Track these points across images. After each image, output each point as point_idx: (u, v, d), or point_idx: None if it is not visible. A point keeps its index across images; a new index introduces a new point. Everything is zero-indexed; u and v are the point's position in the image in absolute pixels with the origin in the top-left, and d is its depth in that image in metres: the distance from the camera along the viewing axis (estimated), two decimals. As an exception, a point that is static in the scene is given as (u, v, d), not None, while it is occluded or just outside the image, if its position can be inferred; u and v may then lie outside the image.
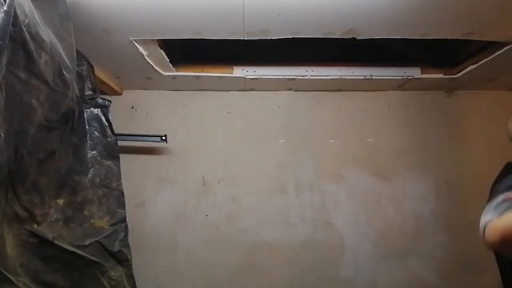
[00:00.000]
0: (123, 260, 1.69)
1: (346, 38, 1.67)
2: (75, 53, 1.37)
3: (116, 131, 1.84)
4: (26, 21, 0.99)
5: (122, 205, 1.77)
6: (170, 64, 2.03)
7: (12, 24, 0.90)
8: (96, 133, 1.73)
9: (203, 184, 2.47)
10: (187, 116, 2.52)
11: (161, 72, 2.13)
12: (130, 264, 1.75)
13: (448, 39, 1.69)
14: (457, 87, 2.52)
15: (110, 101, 1.85)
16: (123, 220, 1.75)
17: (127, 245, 1.74)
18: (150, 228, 2.41)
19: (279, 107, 2.56)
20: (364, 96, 2.57)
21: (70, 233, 1.49)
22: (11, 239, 1.19)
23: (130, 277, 1.74)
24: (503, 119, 2.57)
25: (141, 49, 1.79)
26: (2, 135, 0.97)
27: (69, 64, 1.31)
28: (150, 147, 2.42)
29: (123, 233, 1.72)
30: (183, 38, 1.66)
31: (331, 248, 2.39)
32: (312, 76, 2.25)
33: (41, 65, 1.12)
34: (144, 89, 2.50)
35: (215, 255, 2.41)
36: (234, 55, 2.19)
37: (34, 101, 1.14)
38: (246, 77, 2.25)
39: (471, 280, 2.39)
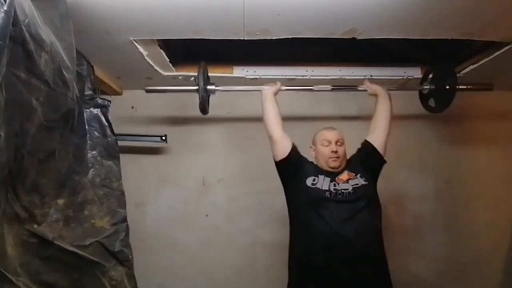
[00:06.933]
0: (124, 260, 1.69)
1: (346, 38, 1.67)
2: (75, 53, 1.37)
3: (116, 131, 1.84)
4: (26, 21, 0.99)
5: (122, 205, 1.76)
6: (170, 64, 2.03)
7: (12, 24, 0.90)
8: (96, 133, 1.73)
9: (203, 184, 2.47)
10: (187, 116, 2.52)
11: (161, 72, 2.12)
12: (131, 264, 1.74)
13: (448, 39, 1.69)
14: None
15: (110, 101, 1.85)
16: (124, 220, 1.74)
17: (128, 245, 1.73)
18: (150, 228, 2.41)
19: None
20: (364, 96, 2.56)
21: (70, 233, 1.49)
22: (11, 239, 1.19)
23: (131, 277, 1.74)
24: (503, 119, 2.59)
25: (141, 49, 1.79)
26: (2, 135, 0.97)
27: (69, 64, 1.31)
28: (150, 147, 2.42)
29: (124, 233, 1.72)
30: (183, 38, 1.66)
31: (331, 248, 2.39)
32: (312, 76, 2.24)
33: (41, 65, 1.11)
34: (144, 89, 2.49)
35: (215, 255, 2.41)
36: (234, 55, 2.19)
37: (34, 101, 1.14)
38: (246, 77, 2.25)
39: (471, 280, 2.39)
